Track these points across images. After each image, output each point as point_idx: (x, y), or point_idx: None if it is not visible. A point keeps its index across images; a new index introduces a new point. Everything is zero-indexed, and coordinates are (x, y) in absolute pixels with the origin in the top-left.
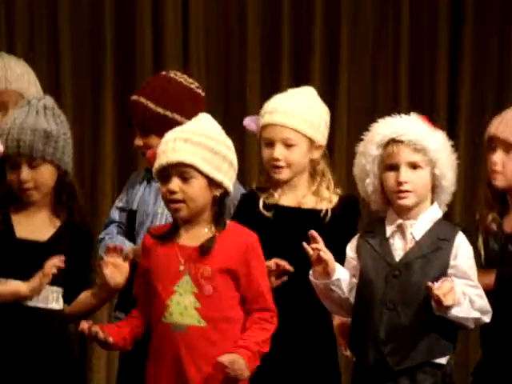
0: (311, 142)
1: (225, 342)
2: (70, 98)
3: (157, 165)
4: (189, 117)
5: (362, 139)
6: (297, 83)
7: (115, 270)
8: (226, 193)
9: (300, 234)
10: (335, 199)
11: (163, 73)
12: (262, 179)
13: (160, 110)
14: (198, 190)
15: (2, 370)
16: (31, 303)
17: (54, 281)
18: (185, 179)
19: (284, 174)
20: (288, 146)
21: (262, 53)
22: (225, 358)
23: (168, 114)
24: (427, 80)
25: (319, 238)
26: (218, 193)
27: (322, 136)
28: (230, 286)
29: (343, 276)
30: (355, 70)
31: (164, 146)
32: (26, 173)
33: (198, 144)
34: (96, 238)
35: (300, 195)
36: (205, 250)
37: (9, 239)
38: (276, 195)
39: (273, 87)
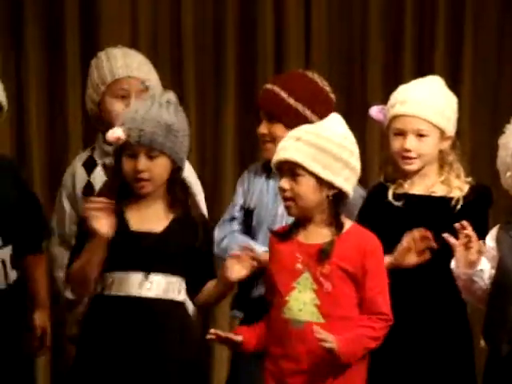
0: (442, 132)
1: None
2: (193, 95)
3: (271, 163)
4: (318, 115)
5: (503, 132)
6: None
7: (237, 265)
8: (341, 194)
9: (431, 221)
10: (466, 188)
11: (300, 70)
12: (388, 170)
13: (291, 101)
14: (305, 189)
15: (120, 359)
16: (150, 294)
17: (175, 271)
18: (293, 177)
19: (414, 165)
20: (420, 136)
21: (384, 51)
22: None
23: (299, 107)
24: None
25: (469, 227)
26: (330, 193)
27: (452, 127)
28: (348, 285)
29: (485, 267)
30: (479, 68)
31: (279, 145)
32: (143, 163)
33: (308, 143)
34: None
35: (429, 184)
36: (324, 253)
37: (124, 232)
38: (405, 185)
39: (395, 81)
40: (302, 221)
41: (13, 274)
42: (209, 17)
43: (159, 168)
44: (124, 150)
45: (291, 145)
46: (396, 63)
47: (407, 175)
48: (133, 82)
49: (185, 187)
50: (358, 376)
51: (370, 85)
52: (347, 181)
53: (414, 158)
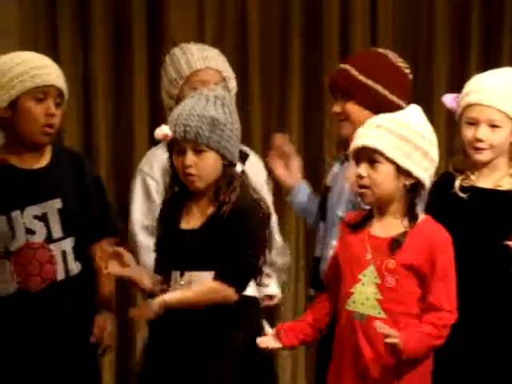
0: None
1: None
2: (258, 89)
3: (350, 149)
4: (393, 91)
5: None
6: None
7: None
8: (419, 184)
9: (496, 216)
10: None
11: (373, 48)
12: (458, 160)
13: (362, 78)
14: (383, 176)
15: (165, 355)
16: None
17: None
18: (372, 164)
19: (485, 156)
20: (492, 127)
21: (450, 40)
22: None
23: (370, 82)
24: None
25: None
26: (408, 182)
27: None
28: (412, 281)
29: None
30: None
31: (358, 131)
32: (190, 158)
33: (388, 130)
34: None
35: (498, 177)
36: (395, 245)
37: (172, 231)
38: (473, 177)
39: (460, 70)
40: (376, 210)
41: (75, 267)
42: (275, 13)
43: (207, 163)
44: (173, 147)
45: (371, 131)
46: (462, 52)
47: (476, 166)
48: (211, 72)
49: (231, 182)
50: (423, 375)
51: (435, 75)
52: (425, 171)
53: (485, 149)
